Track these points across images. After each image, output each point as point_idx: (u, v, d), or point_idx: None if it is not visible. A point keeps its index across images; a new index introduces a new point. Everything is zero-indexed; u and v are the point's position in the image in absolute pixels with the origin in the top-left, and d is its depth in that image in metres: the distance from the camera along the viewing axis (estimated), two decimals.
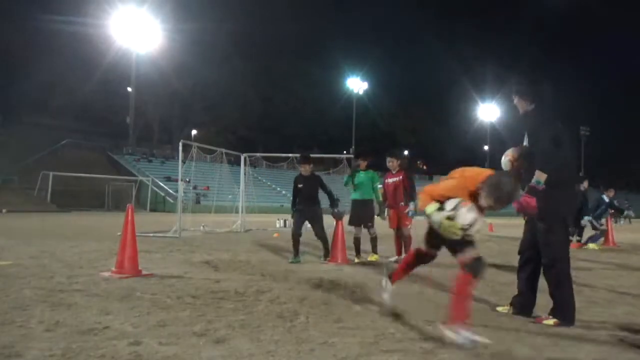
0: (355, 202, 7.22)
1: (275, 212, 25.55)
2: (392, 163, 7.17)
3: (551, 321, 3.46)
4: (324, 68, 59.04)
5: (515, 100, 3.85)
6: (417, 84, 68.95)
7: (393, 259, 6.78)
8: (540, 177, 3.45)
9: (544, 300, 3.67)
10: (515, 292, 3.87)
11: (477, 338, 2.90)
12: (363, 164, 7.28)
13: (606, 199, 11.15)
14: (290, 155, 20.19)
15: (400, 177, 7.09)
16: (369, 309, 3.83)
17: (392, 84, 67.52)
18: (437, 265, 6.70)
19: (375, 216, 7.47)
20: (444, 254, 3.48)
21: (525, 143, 3.76)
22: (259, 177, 24.87)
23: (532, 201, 3.43)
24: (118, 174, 37.48)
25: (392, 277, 3.73)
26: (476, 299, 3.87)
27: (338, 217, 6.91)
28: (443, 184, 3.34)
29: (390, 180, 7.16)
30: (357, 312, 3.72)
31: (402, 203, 6.98)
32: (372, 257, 7.09)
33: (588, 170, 48.19)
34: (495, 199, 3.05)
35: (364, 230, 7.21)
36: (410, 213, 6.93)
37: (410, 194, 7.03)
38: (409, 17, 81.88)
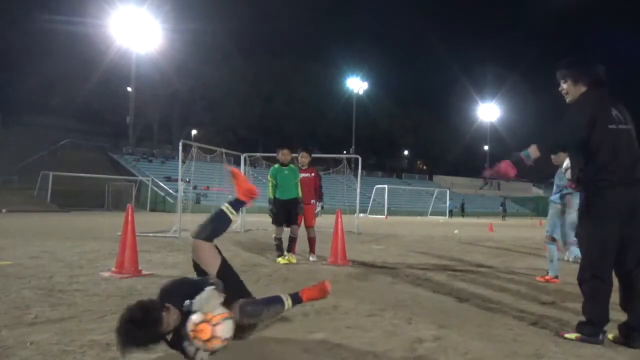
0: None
1: None
2: (304, 159, 6.98)
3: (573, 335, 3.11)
4: (324, 68, 59.12)
5: (566, 86, 3.15)
6: (417, 84, 69.07)
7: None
8: (532, 151, 3.03)
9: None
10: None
11: None
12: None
13: None
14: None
15: (313, 173, 6.98)
16: (370, 309, 3.82)
17: (392, 84, 67.80)
18: (437, 269, 6.71)
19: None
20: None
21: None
22: (259, 177, 24.80)
23: (510, 171, 3.03)
24: (118, 174, 37.44)
25: None
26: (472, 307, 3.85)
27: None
28: None
29: (302, 175, 6.91)
30: (359, 312, 3.72)
31: (313, 201, 6.87)
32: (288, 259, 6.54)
33: None
34: None
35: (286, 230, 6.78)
36: (318, 213, 6.86)
37: (319, 193, 6.94)
38: (409, 17, 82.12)
